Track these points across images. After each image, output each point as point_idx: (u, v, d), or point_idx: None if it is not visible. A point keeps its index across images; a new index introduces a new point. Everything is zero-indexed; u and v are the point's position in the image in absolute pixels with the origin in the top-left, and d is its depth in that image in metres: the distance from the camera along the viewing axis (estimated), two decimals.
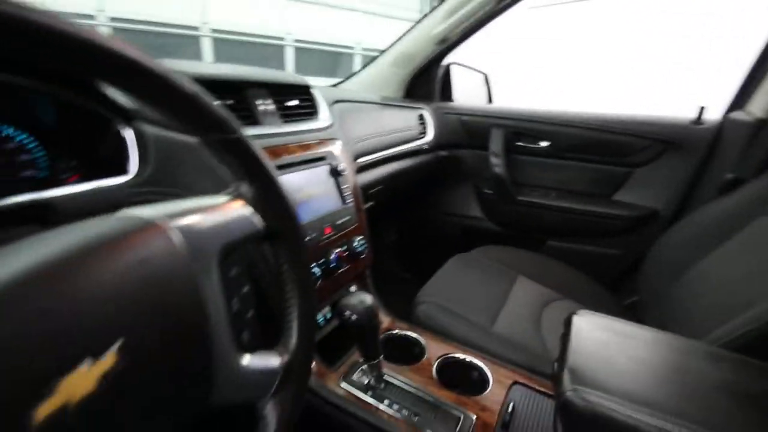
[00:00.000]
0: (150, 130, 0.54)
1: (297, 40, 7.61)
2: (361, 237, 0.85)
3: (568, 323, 0.55)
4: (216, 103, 0.29)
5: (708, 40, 6.03)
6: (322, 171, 0.80)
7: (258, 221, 0.34)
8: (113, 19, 5.55)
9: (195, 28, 6.52)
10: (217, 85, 0.66)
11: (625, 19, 7.01)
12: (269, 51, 7.39)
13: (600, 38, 7.12)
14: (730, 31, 5.67)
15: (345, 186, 0.84)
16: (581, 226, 1.37)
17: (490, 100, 1.89)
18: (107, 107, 0.52)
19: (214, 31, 6.66)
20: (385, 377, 0.71)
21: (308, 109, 0.86)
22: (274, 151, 0.70)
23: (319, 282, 0.73)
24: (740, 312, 0.61)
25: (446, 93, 1.58)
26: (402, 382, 0.71)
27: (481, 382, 0.73)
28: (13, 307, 0.19)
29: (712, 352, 0.51)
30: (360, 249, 0.83)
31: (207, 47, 6.68)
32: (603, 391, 0.43)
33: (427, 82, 1.50)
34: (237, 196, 0.34)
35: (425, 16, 1.33)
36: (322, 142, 0.83)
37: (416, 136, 1.36)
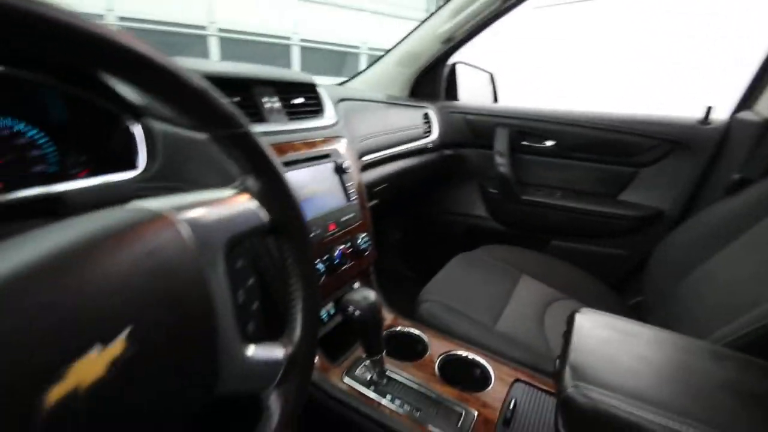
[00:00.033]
0: (158, 126, 0.55)
1: (303, 40, 7.64)
2: (365, 234, 0.86)
3: (570, 321, 0.55)
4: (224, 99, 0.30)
5: (712, 40, 5.99)
6: (326, 168, 0.81)
7: (263, 215, 0.35)
8: (122, 19, 5.62)
9: (202, 28, 6.57)
10: (224, 83, 0.66)
11: (630, 18, 6.97)
12: (276, 50, 7.42)
13: (604, 38, 7.08)
14: (735, 31, 5.64)
15: (349, 183, 0.85)
16: (586, 226, 1.37)
17: (495, 100, 1.89)
18: (116, 103, 0.53)
19: (221, 30, 6.70)
20: (388, 373, 0.71)
21: (314, 107, 0.87)
22: (280, 148, 0.71)
23: (322, 278, 0.74)
24: (745, 312, 0.60)
25: (451, 92, 1.58)
26: (404, 378, 0.71)
27: (483, 380, 0.73)
28: (26, 294, 0.20)
29: (716, 350, 0.51)
30: (364, 246, 0.84)
31: (214, 46, 6.73)
32: (605, 388, 0.43)
33: (432, 81, 1.50)
34: (243, 189, 0.35)
35: (431, 15, 1.33)
36: (327, 139, 0.84)
37: (421, 134, 1.36)
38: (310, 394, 0.68)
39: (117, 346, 0.22)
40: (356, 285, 0.89)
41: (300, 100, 0.84)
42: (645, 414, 0.40)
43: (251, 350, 0.33)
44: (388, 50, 1.43)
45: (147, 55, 0.24)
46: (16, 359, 0.19)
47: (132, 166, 0.53)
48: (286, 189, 0.37)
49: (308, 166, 0.76)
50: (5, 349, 0.18)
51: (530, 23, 6.56)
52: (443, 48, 1.38)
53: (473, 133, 1.50)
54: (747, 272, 0.71)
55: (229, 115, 0.31)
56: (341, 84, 1.44)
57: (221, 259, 0.30)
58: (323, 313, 0.79)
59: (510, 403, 0.67)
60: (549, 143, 1.39)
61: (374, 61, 1.47)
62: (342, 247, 0.79)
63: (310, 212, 0.73)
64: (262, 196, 0.35)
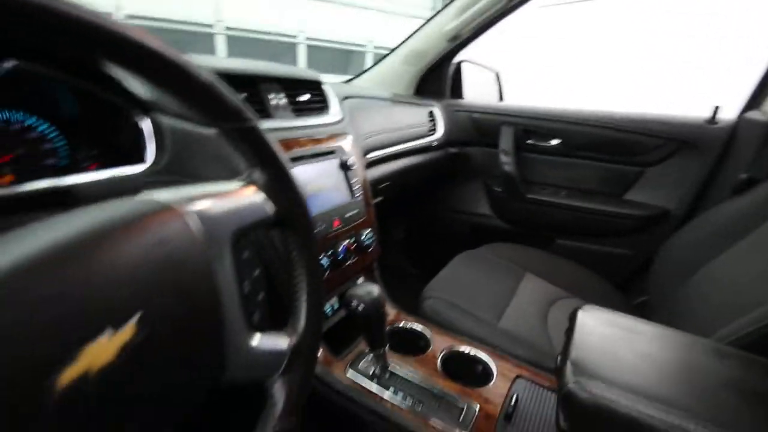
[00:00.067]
0: (166, 121, 0.56)
1: (309, 38, 7.65)
2: (369, 230, 0.86)
3: (572, 318, 0.55)
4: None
5: (713, 40, 5.97)
6: (331, 165, 0.81)
7: (269, 208, 0.35)
8: (130, 17, 5.66)
9: (209, 26, 6.60)
10: (230, 79, 0.67)
11: (632, 18, 6.95)
12: (281, 48, 7.44)
13: (608, 37, 7.06)
14: (735, 32, 5.63)
15: (354, 180, 0.85)
16: (591, 225, 1.36)
17: (501, 98, 1.88)
18: (125, 98, 0.54)
19: (228, 28, 6.73)
20: (390, 367, 0.72)
21: (319, 104, 0.88)
22: (286, 144, 0.72)
23: (327, 273, 0.75)
24: (750, 311, 0.60)
25: (457, 90, 1.58)
26: (407, 372, 0.72)
27: (485, 375, 0.73)
28: (41, 279, 0.20)
29: (719, 348, 0.51)
30: (368, 242, 0.84)
31: (221, 44, 6.76)
32: (606, 384, 0.43)
33: (437, 79, 1.50)
34: (250, 182, 0.35)
35: (437, 13, 1.33)
36: (332, 136, 0.84)
37: (426, 132, 1.36)
38: (313, 386, 0.69)
39: (127, 331, 0.23)
40: (360, 280, 0.90)
41: (306, 97, 0.85)
42: (646, 409, 0.40)
43: (257, 339, 0.33)
44: (394, 48, 1.43)
45: (158, 50, 0.25)
46: (30, 341, 0.19)
47: (141, 160, 0.54)
48: (291, 182, 0.37)
49: (313, 162, 0.77)
50: (21, 331, 0.19)
51: (534, 22, 6.55)
52: (449, 46, 1.38)
53: (478, 131, 1.50)
54: (753, 271, 0.71)
55: (236, 109, 0.31)
56: (347, 82, 1.45)
57: (228, 250, 0.31)
58: (327, 308, 0.79)
59: (512, 399, 0.67)
60: (554, 142, 1.39)
61: (380, 59, 1.47)
62: (346, 242, 0.80)
63: (315, 208, 0.74)
64: (268, 189, 0.35)
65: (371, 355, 0.69)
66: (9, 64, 0.44)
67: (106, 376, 0.22)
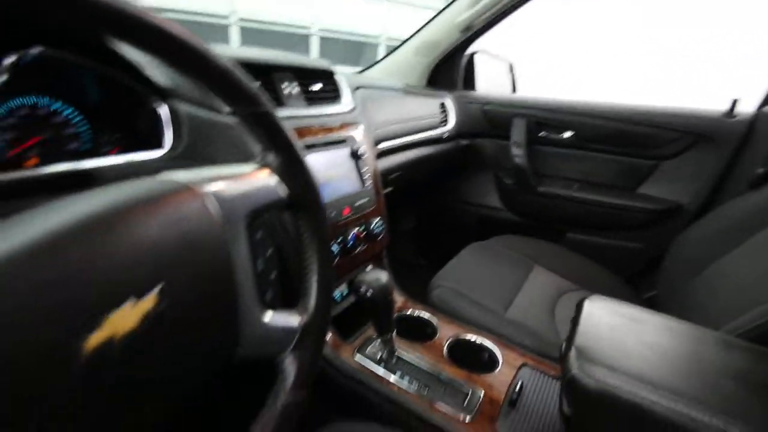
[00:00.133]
0: (183, 107, 0.58)
1: (322, 29, 7.63)
2: (378, 219, 0.87)
3: (579, 307, 0.55)
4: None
5: (717, 35, 5.85)
6: (343, 153, 0.82)
7: (282, 191, 0.37)
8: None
9: (224, 17, 6.64)
10: (245, 68, 0.68)
11: (636, 13, 6.84)
12: (294, 40, 7.45)
13: (613, 31, 6.96)
14: (737, 28, 5.51)
15: (365, 169, 0.86)
16: (603, 219, 1.35)
17: (514, 90, 1.87)
18: (145, 85, 0.55)
19: (242, 20, 6.76)
20: (397, 353, 0.73)
21: (332, 93, 0.89)
22: (298, 132, 0.73)
23: (336, 259, 0.76)
24: (760, 305, 0.60)
25: (469, 82, 1.57)
26: (413, 357, 0.73)
27: (491, 363, 0.74)
28: (68, 250, 0.22)
29: (726, 340, 0.51)
30: (377, 230, 0.85)
31: (235, 35, 6.80)
32: (610, 370, 0.43)
33: (450, 70, 1.49)
34: (264, 165, 0.37)
35: (450, 3, 1.32)
36: (344, 125, 0.85)
37: (437, 124, 1.36)
38: (322, 369, 0.71)
39: (150, 301, 0.24)
40: (369, 268, 0.91)
41: (318, 87, 0.86)
42: (649, 396, 0.40)
43: (269, 316, 0.35)
44: (406, 39, 1.43)
45: (181, 36, 0.26)
46: (59, 308, 0.21)
47: (159, 145, 0.56)
48: (304, 166, 0.38)
49: (325, 151, 0.78)
50: (50, 298, 0.20)
51: (543, 15, 6.46)
52: (462, 37, 1.37)
53: (490, 123, 1.49)
54: (765, 267, 0.70)
55: (252, 94, 0.33)
56: (359, 72, 1.45)
57: (243, 229, 0.32)
58: (336, 294, 0.81)
59: (516, 386, 0.68)
60: (567, 134, 1.38)
61: (392, 49, 1.47)
62: (356, 230, 0.81)
63: (326, 196, 0.75)
64: (281, 172, 0.37)
65: (379, 340, 0.71)
66: (36, 50, 0.46)
67: (129, 343, 0.23)
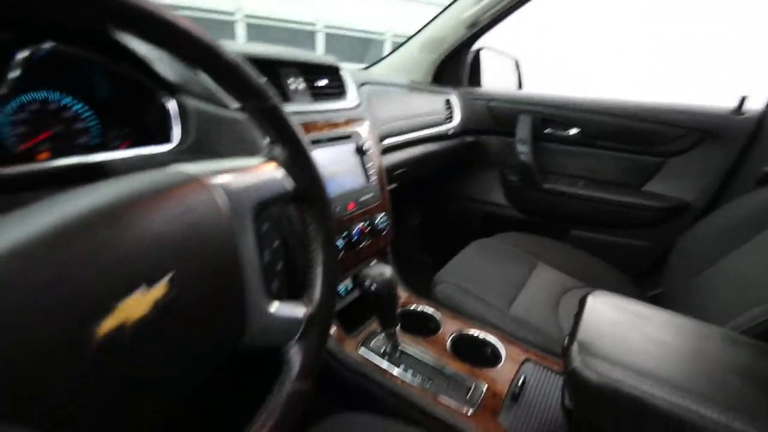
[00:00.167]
0: (191, 102, 0.58)
1: (327, 26, 7.63)
2: (383, 214, 0.88)
3: (582, 302, 0.56)
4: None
5: (724, 30, 5.79)
6: (348, 149, 0.83)
7: (288, 184, 0.37)
8: None
9: (230, 14, 6.66)
10: (251, 63, 0.69)
11: (642, 8, 6.78)
12: (300, 36, 7.45)
13: (620, 27, 6.90)
14: (745, 23, 5.46)
15: (370, 165, 0.87)
16: (608, 217, 1.34)
17: (520, 86, 1.86)
18: (154, 80, 0.56)
19: (248, 16, 6.78)
20: (401, 347, 0.74)
21: (337, 89, 0.89)
22: (304, 127, 0.73)
23: (341, 254, 0.77)
24: (765, 302, 0.59)
25: (475, 78, 1.57)
26: (417, 351, 0.74)
27: (494, 358, 0.75)
28: (80, 238, 0.22)
29: (731, 336, 0.50)
30: (382, 226, 0.86)
31: (241, 32, 6.82)
32: (612, 364, 0.44)
33: (455, 66, 1.49)
34: (270, 158, 0.37)
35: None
36: (349, 121, 0.86)
37: (442, 120, 1.36)
38: (326, 362, 0.72)
39: (160, 288, 0.25)
40: (373, 263, 0.92)
41: (324, 82, 0.86)
42: (651, 389, 0.40)
43: (275, 307, 0.36)
44: (412, 35, 1.43)
45: (190, 31, 0.27)
46: (73, 293, 0.21)
47: (167, 140, 0.57)
48: (310, 160, 0.39)
49: (330, 146, 0.78)
50: (65, 284, 0.21)
51: (550, 12, 6.42)
52: (467, 33, 1.37)
53: (495, 120, 1.49)
54: None
55: (260, 88, 0.33)
56: (365, 68, 1.45)
57: (250, 221, 0.33)
58: (341, 288, 0.82)
59: (519, 380, 0.69)
60: (573, 131, 1.37)
61: (398, 46, 1.47)
62: (360, 225, 0.81)
63: (331, 191, 0.75)
64: (287, 165, 0.37)
65: (383, 334, 0.72)
66: (47, 45, 0.47)
67: (140, 330, 0.24)
